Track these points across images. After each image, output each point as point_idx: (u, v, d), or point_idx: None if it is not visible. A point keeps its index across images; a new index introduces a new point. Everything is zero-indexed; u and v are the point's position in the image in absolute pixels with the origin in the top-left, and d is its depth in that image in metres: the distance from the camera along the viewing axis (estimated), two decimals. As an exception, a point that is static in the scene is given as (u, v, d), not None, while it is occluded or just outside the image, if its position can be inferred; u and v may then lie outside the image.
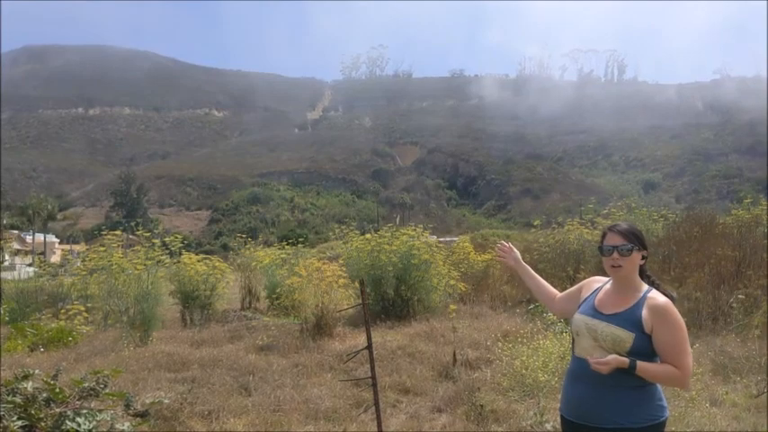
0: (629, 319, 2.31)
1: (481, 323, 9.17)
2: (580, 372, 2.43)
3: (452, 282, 10.72)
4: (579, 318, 2.51)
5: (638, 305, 2.31)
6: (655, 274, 2.46)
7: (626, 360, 2.27)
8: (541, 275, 9.59)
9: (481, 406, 5.00)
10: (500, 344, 5.34)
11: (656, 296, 2.31)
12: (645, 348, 2.27)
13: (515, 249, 2.95)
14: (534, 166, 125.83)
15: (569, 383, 2.50)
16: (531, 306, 9.54)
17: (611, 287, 2.47)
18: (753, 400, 4.75)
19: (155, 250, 9.71)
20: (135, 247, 9.82)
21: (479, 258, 13.71)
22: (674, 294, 2.36)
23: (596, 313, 2.43)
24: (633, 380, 2.26)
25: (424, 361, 6.97)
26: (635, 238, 2.39)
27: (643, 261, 2.40)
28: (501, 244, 2.99)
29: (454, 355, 6.63)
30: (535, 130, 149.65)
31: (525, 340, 5.09)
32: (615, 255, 2.38)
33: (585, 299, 2.56)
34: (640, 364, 2.25)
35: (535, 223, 14.07)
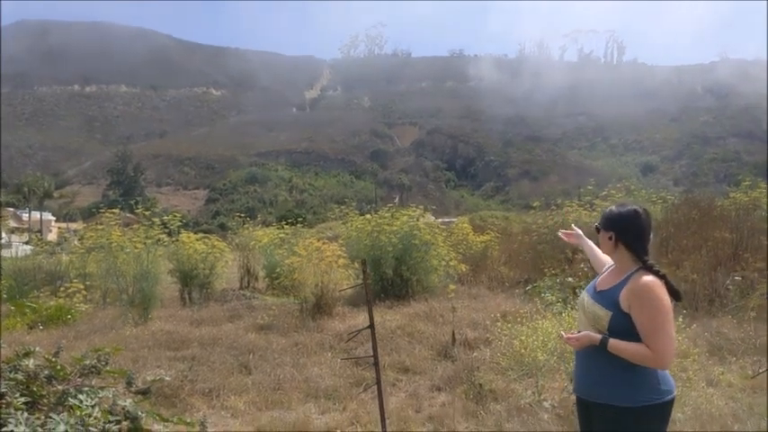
0: (610, 298, 2.36)
1: (479, 303, 9.23)
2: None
3: (452, 263, 10.76)
4: (582, 294, 2.63)
5: (621, 284, 2.35)
6: (653, 257, 2.47)
7: (597, 337, 2.33)
8: (540, 257, 9.60)
9: (480, 385, 5.05)
10: (499, 324, 5.37)
11: (640, 276, 2.32)
12: (624, 327, 2.29)
13: (578, 229, 3.13)
14: (533, 148, 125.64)
15: (575, 359, 2.57)
16: (529, 287, 9.60)
17: (614, 266, 2.52)
18: (748, 381, 4.81)
19: (154, 229, 9.70)
20: (133, 226, 9.80)
21: (478, 240, 13.76)
22: (663, 272, 2.35)
23: (593, 290, 2.52)
24: (620, 359, 2.28)
25: (423, 341, 7.02)
26: (602, 219, 2.50)
27: (611, 241, 2.42)
28: (566, 231, 3.17)
29: (453, 334, 6.67)
30: (534, 111, 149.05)
31: (524, 320, 5.12)
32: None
33: (598, 275, 2.63)
34: (612, 341, 2.28)
35: (534, 205, 14.08)
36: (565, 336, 2.52)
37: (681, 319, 4.53)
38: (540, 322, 4.97)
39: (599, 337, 2.33)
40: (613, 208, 2.51)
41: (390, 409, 5.02)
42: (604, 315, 2.35)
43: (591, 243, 2.99)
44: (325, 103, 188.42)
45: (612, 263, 2.56)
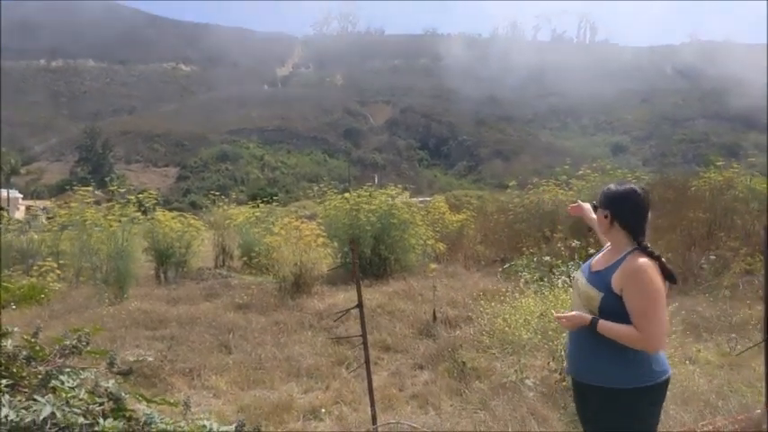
0: (603, 279, 2.33)
1: (457, 282, 9.28)
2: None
3: (430, 242, 10.79)
4: (576, 273, 2.62)
5: (615, 265, 2.32)
6: (649, 238, 2.44)
7: (588, 317, 2.31)
8: (517, 236, 9.63)
9: (463, 363, 5.09)
10: (482, 303, 5.41)
11: (634, 257, 2.27)
12: (615, 308, 2.26)
13: (585, 204, 3.05)
14: (505, 128, 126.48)
15: (568, 340, 2.56)
16: (507, 265, 9.69)
17: (610, 247, 2.51)
18: (725, 358, 4.95)
19: (129, 207, 9.50)
20: (108, 204, 9.57)
21: (454, 219, 13.81)
22: (658, 254, 2.32)
23: (588, 271, 2.49)
24: (609, 341, 2.26)
25: (404, 319, 7.03)
26: (599, 197, 2.47)
27: (606, 219, 2.40)
28: (573, 205, 3.12)
29: (434, 313, 6.71)
30: (506, 91, 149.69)
31: (506, 299, 5.16)
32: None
33: (595, 254, 2.61)
34: (602, 323, 2.26)
35: (510, 184, 14.16)
36: (556, 314, 2.52)
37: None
38: (522, 300, 5.01)
39: (589, 317, 2.31)
40: (612, 186, 2.46)
41: (374, 387, 5.04)
42: (596, 296, 2.32)
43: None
44: (297, 80, 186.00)
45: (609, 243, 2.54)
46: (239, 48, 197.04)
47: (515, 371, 4.78)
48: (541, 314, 4.61)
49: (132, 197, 9.86)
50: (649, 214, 2.40)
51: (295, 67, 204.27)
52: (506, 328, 4.69)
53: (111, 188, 10.15)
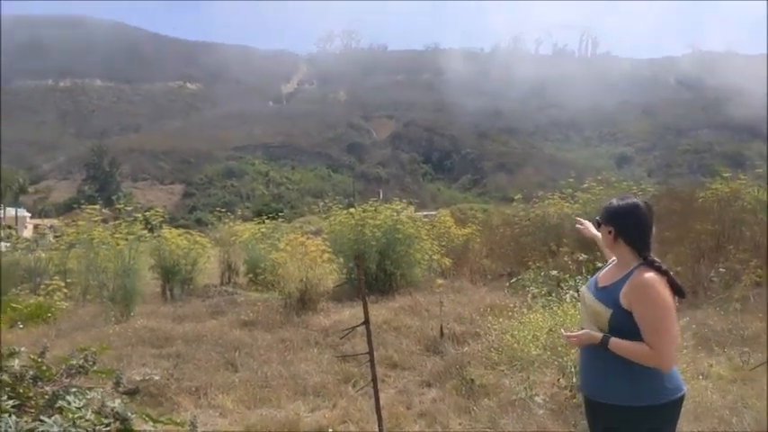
0: (611, 295, 2.30)
1: (464, 297, 9.22)
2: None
3: (436, 256, 10.75)
4: (582, 289, 2.59)
5: (622, 281, 2.29)
6: (655, 252, 2.41)
7: (598, 336, 2.27)
8: (523, 249, 9.60)
9: (471, 380, 5.04)
10: (489, 318, 5.37)
11: (641, 272, 2.25)
12: (625, 325, 2.23)
13: (585, 221, 3.13)
14: (508, 141, 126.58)
15: (579, 356, 2.53)
16: (513, 279, 9.63)
17: (616, 262, 2.48)
18: (738, 373, 4.88)
19: (136, 224, 9.52)
20: (116, 222, 9.61)
21: (459, 233, 13.75)
22: (666, 268, 2.28)
23: (594, 286, 2.46)
24: (621, 357, 2.23)
25: (410, 335, 6.99)
26: (602, 212, 2.44)
27: (610, 235, 2.37)
28: (579, 221, 3.18)
29: (441, 329, 6.66)
30: (509, 104, 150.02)
31: (514, 314, 5.12)
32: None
33: (600, 269, 2.59)
34: (613, 340, 2.23)
35: (516, 197, 14.14)
36: (565, 333, 2.48)
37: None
38: (530, 316, 4.97)
39: (599, 335, 2.27)
40: (614, 201, 2.43)
41: (381, 405, 4.99)
42: (605, 312, 2.29)
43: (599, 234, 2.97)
44: (301, 96, 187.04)
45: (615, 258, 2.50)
46: (244, 66, 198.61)
47: (524, 388, 4.73)
48: (550, 329, 4.56)
49: (139, 215, 9.89)
50: (654, 228, 2.38)
51: (299, 84, 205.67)
52: (515, 345, 4.64)
53: (118, 206, 10.20)
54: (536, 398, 4.60)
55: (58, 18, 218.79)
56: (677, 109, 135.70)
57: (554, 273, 8.58)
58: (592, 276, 2.63)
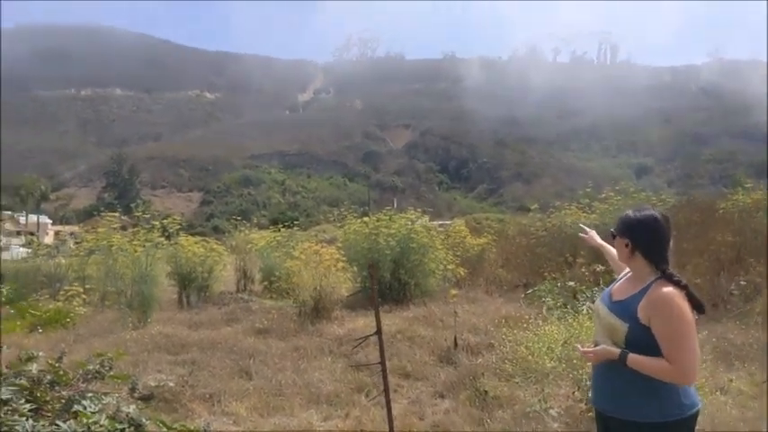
0: (627, 309, 2.24)
1: (478, 307, 9.16)
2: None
3: (450, 266, 10.71)
4: (596, 302, 2.53)
5: (639, 295, 2.24)
6: (672, 265, 2.36)
7: (616, 351, 2.23)
8: (539, 260, 9.50)
9: (485, 392, 4.99)
10: (503, 329, 5.32)
11: (659, 286, 2.19)
12: (643, 340, 2.18)
13: (591, 230, 3.12)
14: (526, 150, 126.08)
15: (593, 370, 2.48)
16: (529, 291, 9.55)
17: (630, 274, 2.44)
18: (759, 388, 4.76)
19: (153, 232, 9.63)
20: (134, 229, 9.74)
21: (475, 242, 13.69)
22: (684, 282, 2.22)
23: (609, 299, 2.41)
24: (637, 373, 2.18)
25: (424, 345, 6.95)
26: (618, 224, 2.39)
27: (627, 248, 2.31)
28: (584, 230, 3.17)
29: (455, 339, 6.62)
30: (527, 113, 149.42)
31: (529, 326, 5.07)
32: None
33: (614, 282, 2.54)
34: (632, 357, 2.18)
35: (532, 207, 14.04)
36: (581, 349, 2.42)
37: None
38: (545, 327, 4.92)
39: (617, 351, 2.22)
40: (630, 213, 2.37)
41: (393, 415, 4.96)
42: (621, 327, 2.24)
43: (607, 245, 2.90)
44: (317, 105, 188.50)
45: (628, 270, 2.46)
46: (262, 75, 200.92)
47: (539, 400, 4.67)
48: (565, 342, 4.52)
49: (156, 222, 10.01)
50: (671, 240, 2.32)
51: (316, 93, 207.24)
52: (529, 357, 4.60)
53: (136, 214, 10.33)
54: (551, 411, 4.54)
55: (81, 28, 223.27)
56: (698, 117, 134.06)
57: (570, 284, 8.52)
58: (606, 289, 2.58)
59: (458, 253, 12.49)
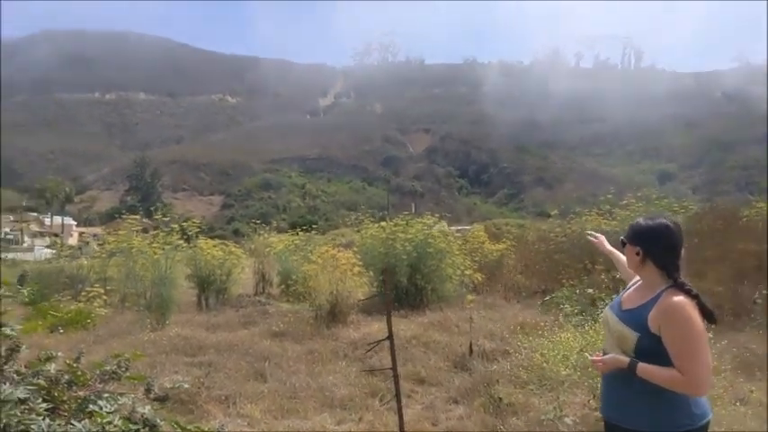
0: (638, 319, 2.22)
1: (496, 314, 9.11)
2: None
3: (468, 272, 10.66)
4: (605, 311, 2.50)
5: (650, 304, 2.21)
6: (684, 274, 2.33)
7: (625, 360, 2.20)
8: (557, 266, 9.40)
9: (499, 398, 4.96)
10: (519, 336, 5.28)
11: (670, 295, 2.17)
12: (653, 350, 2.15)
13: (600, 235, 3.12)
14: (547, 155, 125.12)
15: (602, 378, 2.46)
16: (547, 297, 9.47)
17: (640, 283, 2.41)
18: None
19: (172, 235, 9.75)
20: (154, 232, 9.88)
21: (493, 248, 13.60)
22: (696, 291, 2.19)
23: (618, 308, 2.39)
24: (646, 382, 2.15)
25: (439, 351, 6.93)
26: (628, 232, 2.36)
27: (638, 256, 2.29)
28: (591, 238, 3.17)
29: (470, 346, 6.58)
30: (548, 118, 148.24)
31: (545, 333, 5.03)
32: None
33: (623, 290, 2.51)
34: (642, 366, 2.16)
35: (552, 213, 13.92)
36: (591, 358, 2.41)
37: (710, 334, 4.39)
38: (560, 335, 4.87)
39: (627, 360, 2.20)
40: (641, 220, 2.35)
41: (406, 421, 4.94)
42: (631, 336, 2.22)
43: (617, 252, 2.88)
44: (337, 109, 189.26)
45: (638, 277, 2.43)
46: (283, 79, 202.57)
47: (554, 408, 4.62)
48: (581, 349, 4.47)
49: (175, 225, 10.13)
50: (683, 249, 2.29)
51: (336, 97, 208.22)
52: (544, 364, 4.56)
53: (156, 216, 10.47)
54: (566, 419, 4.49)
55: (105, 33, 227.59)
56: (723, 123, 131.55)
57: (589, 291, 8.42)
58: (615, 297, 2.56)
59: (476, 258, 12.43)
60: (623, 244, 2.40)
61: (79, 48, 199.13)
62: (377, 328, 8.18)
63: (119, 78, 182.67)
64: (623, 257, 2.64)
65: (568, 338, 4.68)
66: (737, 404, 4.29)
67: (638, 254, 2.30)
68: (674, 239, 2.27)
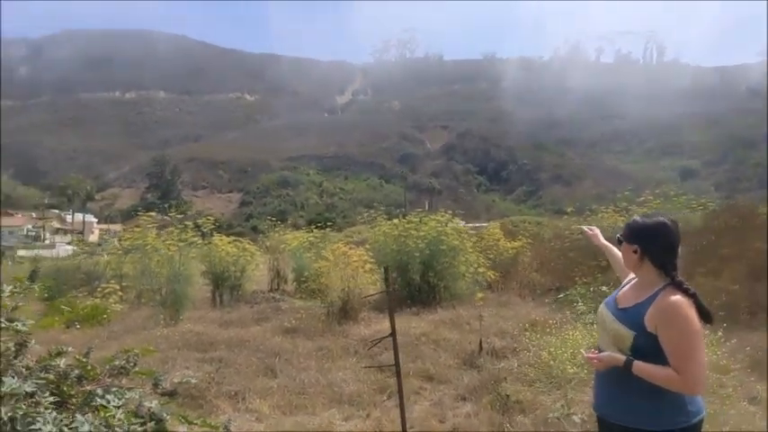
0: (634, 317, 2.20)
1: (509, 311, 9.07)
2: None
3: (481, 269, 10.60)
4: (600, 308, 2.47)
5: (647, 302, 2.20)
6: (684, 269, 2.30)
7: (621, 358, 2.19)
8: (572, 264, 9.31)
9: (507, 396, 4.93)
10: (527, 333, 5.25)
11: (668, 294, 2.15)
12: (650, 348, 2.14)
13: (595, 228, 3.13)
14: (566, 152, 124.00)
15: (594, 375, 2.45)
16: (561, 295, 9.39)
17: (636, 281, 2.39)
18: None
19: (187, 232, 9.85)
20: (169, 229, 9.99)
21: (509, 245, 13.52)
22: (693, 290, 2.18)
23: (614, 306, 2.36)
24: (641, 379, 2.14)
25: (449, 348, 6.91)
26: (625, 230, 2.34)
27: (636, 255, 2.27)
28: (586, 228, 3.19)
29: (480, 343, 6.56)
30: (568, 114, 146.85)
31: (553, 331, 4.99)
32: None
33: (618, 288, 2.49)
34: (637, 364, 2.14)
35: (568, 210, 13.80)
36: (586, 355, 2.38)
37: (720, 333, 4.33)
38: (570, 333, 4.84)
39: (623, 358, 2.19)
40: (638, 219, 2.33)
41: (413, 418, 4.95)
42: (628, 335, 2.20)
43: (612, 248, 2.85)
44: (355, 107, 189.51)
45: (633, 275, 2.41)
46: (301, 77, 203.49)
47: (562, 406, 4.59)
48: (590, 347, 4.42)
49: (189, 223, 10.23)
50: (680, 248, 2.26)
51: (354, 95, 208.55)
52: (551, 362, 4.53)
53: (170, 214, 10.59)
54: (574, 417, 4.46)
55: (125, 33, 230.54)
56: (747, 120, 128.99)
57: (603, 288, 8.32)
58: (610, 295, 2.53)
59: (491, 256, 12.36)
60: (619, 242, 2.38)
61: (100, 48, 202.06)
62: (387, 325, 8.16)
63: (138, 77, 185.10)
64: (618, 253, 2.62)
65: (576, 336, 4.65)
66: (745, 403, 4.21)
67: (635, 252, 2.29)
68: (672, 238, 2.26)
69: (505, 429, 4.47)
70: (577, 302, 7.51)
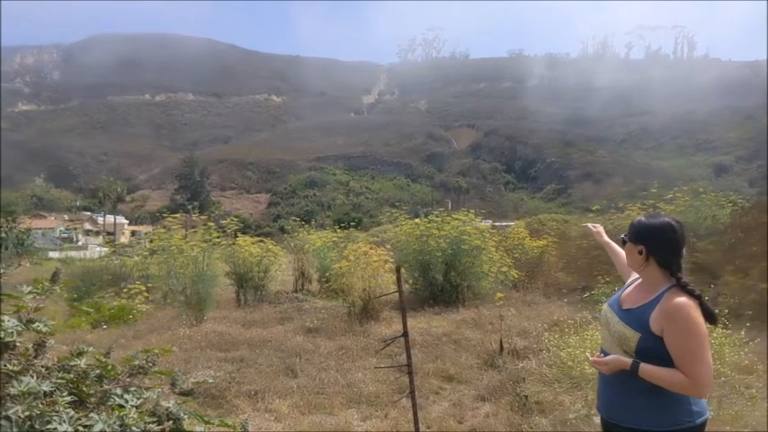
0: (639, 319, 2.17)
1: (532, 311, 8.98)
2: None
3: (505, 268, 10.50)
4: (604, 309, 2.43)
5: (652, 304, 2.16)
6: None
7: (627, 361, 2.15)
8: (597, 263, 9.17)
9: (526, 396, 4.88)
10: (547, 334, 5.18)
11: (673, 296, 2.12)
12: (655, 350, 2.11)
13: (599, 226, 3.14)
14: (596, 149, 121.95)
15: (598, 377, 2.41)
16: (587, 294, 9.25)
17: (640, 281, 2.34)
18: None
19: (211, 233, 9.98)
20: (195, 229, 10.14)
21: (534, 244, 13.36)
22: (698, 292, 2.14)
23: (618, 307, 2.33)
24: (645, 380, 2.11)
25: (470, 348, 6.87)
26: (630, 230, 2.30)
27: (641, 255, 2.23)
28: (590, 226, 3.20)
29: (501, 343, 6.50)
30: (596, 111, 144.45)
31: (574, 331, 4.92)
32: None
33: (621, 288, 2.44)
34: (644, 366, 2.11)
35: (594, 208, 13.59)
36: (592, 358, 2.34)
37: (743, 333, 4.21)
38: (590, 332, 4.76)
39: (629, 361, 2.15)
40: (643, 219, 2.29)
41: (432, 418, 4.93)
42: (632, 336, 2.17)
43: (615, 246, 2.81)
44: (381, 107, 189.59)
45: (637, 275, 2.36)
46: (327, 78, 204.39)
47: (581, 406, 4.52)
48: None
49: (213, 224, 10.36)
50: (685, 248, 2.23)
51: (380, 95, 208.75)
52: (570, 362, 4.46)
53: (195, 215, 10.74)
54: (594, 418, 4.39)
55: (154, 36, 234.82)
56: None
57: (628, 288, 8.15)
58: (613, 296, 2.48)
59: (516, 255, 12.24)
60: (624, 242, 2.34)
61: (129, 51, 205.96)
62: (409, 325, 8.15)
63: (167, 80, 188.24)
64: (620, 251, 2.58)
65: (596, 337, 4.57)
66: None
67: (640, 252, 2.25)
68: (678, 238, 2.22)
69: (524, 430, 4.42)
70: (601, 302, 7.39)
